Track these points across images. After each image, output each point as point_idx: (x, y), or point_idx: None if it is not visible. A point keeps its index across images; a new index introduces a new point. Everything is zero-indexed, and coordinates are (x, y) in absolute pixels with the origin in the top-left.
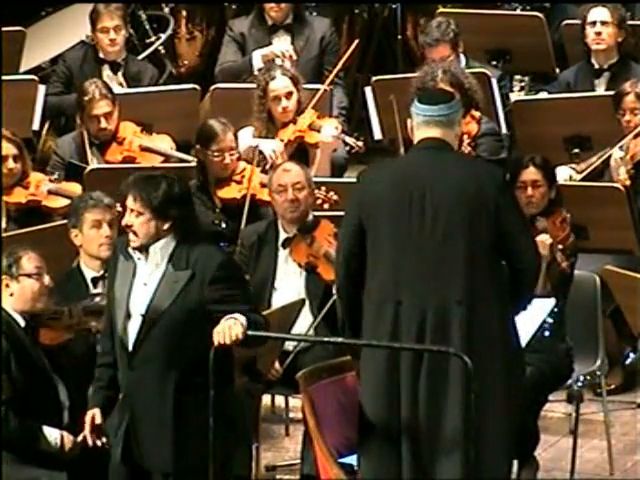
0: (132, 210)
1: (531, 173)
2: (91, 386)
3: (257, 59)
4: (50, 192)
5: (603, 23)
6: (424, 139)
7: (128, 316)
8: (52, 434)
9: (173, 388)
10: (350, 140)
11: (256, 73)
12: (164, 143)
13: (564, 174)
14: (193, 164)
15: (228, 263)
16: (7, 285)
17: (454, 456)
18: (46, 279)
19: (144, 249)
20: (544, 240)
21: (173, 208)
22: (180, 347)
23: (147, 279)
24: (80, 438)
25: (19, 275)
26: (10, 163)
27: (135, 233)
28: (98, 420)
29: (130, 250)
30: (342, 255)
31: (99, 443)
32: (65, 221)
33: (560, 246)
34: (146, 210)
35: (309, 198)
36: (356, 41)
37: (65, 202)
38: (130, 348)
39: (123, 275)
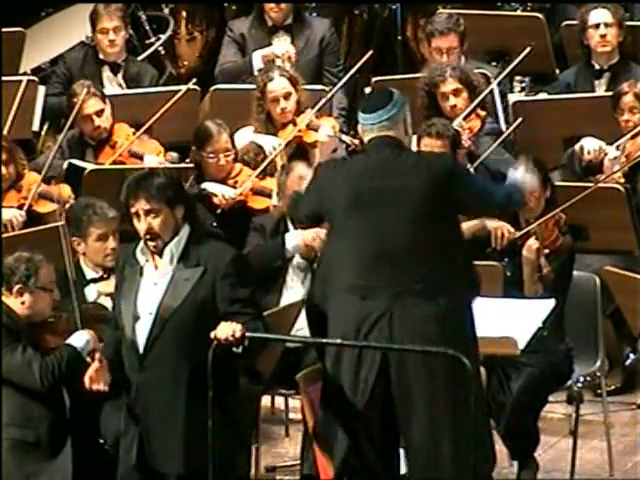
0: (148, 212)
1: None
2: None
3: (257, 60)
4: (41, 196)
5: (607, 25)
6: (373, 137)
7: (136, 318)
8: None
9: (185, 388)
10: (347, 138)
11: (256, 74)
12: (152, 149)
13: (594, 144)
14: (190, 165)
15: (240, 258)
16: (20, 293)
17: (422, 455)
18: (56, 292)
19: (163, 249)
20: (532, 245)
21: (180, 191)
22: (191, 346)
23: (157, 279)
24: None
25: (36, 288)
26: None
27: (158, 235)
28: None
29: (138, 255)
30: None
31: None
32: (61, 223)
33: (546, 250)
34: (163, 205)
35: None
36: (370, 52)
37: (54, 206)
38: (141, 350)
39: (129, 281)
